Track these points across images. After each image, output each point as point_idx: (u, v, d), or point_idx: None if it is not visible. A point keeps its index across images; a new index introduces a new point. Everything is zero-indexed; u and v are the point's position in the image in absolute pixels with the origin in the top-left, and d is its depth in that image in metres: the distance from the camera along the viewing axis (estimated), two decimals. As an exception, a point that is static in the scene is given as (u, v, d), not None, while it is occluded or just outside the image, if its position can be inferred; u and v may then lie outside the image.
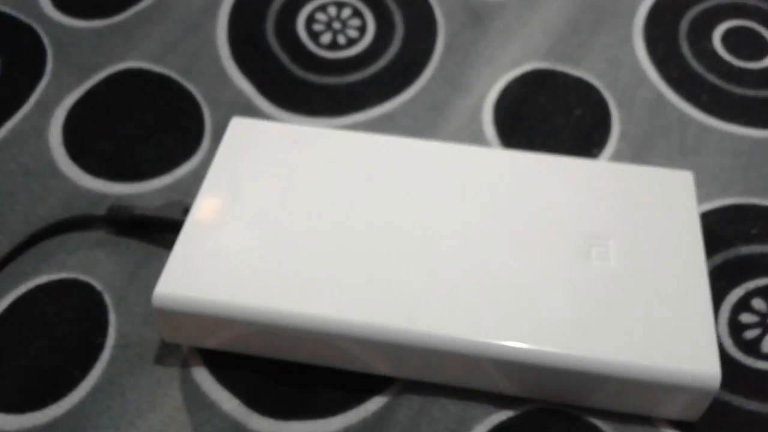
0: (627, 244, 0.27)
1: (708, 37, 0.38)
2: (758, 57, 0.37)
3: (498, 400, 0.27)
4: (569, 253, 0.27)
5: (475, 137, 0.34)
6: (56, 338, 0.28)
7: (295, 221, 0.28)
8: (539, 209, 0.28)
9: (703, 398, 0.25)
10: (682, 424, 0.26)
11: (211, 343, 0.27)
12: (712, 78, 0.36)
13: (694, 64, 0.37)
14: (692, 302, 0.26)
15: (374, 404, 0.27)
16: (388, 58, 0.37)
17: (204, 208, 0.28)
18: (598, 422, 0.26)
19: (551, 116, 0.35)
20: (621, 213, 0.28)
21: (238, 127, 0.31)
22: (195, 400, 0.27)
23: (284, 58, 0.37)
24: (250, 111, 0.35)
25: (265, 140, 0.31)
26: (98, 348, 0.28)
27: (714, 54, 0.37)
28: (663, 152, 0.34)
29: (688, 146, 0.34)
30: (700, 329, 0.25)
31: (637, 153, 0.33)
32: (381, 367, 0.27)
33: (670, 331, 0.25)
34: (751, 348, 0.28)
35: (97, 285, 0.29)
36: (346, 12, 0.38)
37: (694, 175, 0.30)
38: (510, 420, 0.26)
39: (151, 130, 0.34)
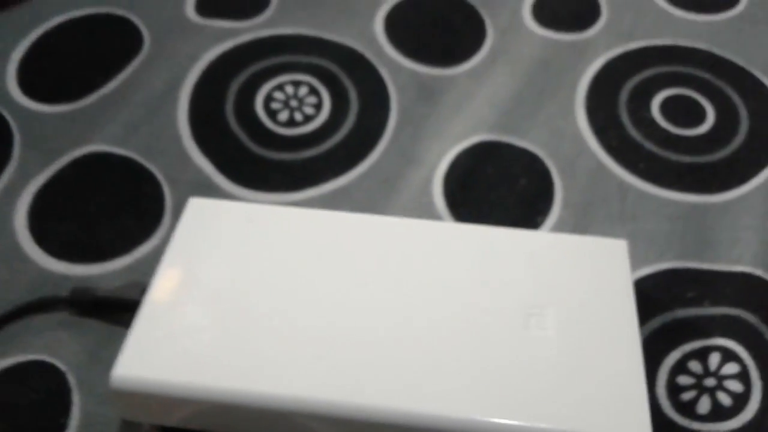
0: (564, 314, 0.29)
1: (647, 105, 0.40)
2: (695, 124, 0.39)
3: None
4: (510, 323, 0.28)
5: (426, 209, 0.36)
6: (21, 419, 0.29)
7: (250, 300, 0.29)
8: (482, 281, 0.30)
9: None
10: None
11: (170, 420, 0.28)
12: (649, 145, 0.38)
13: (633, 132, 0.39)
14: (625, 370, 0.27)
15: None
16: (344, 133, 0.39)
17: (161, 289, 0.30)
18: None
19: (498, 186, 0.37)
20: (558, 282, 0.30)
21: (196, 207, 0.32)
22: (154, 477, 0.28)
23: (243, 136, 0.38)
24: (210, 189, 0.36)
25: (221, 220, 0.32)
26: (62, 428, 0.29)
27: (652, 122, 0.39)
28: (603, 219, 0.35)
29: (627, 212, 0.36)
30: (633, 396, 0.26)
31: (579, 220, 0.35)
32: (334, 439, 0.28)
33: (604, 399, 0.26)
34: (688, 410, 0.30)
35: (61, 365, 0.31)
36: (303, 90, 0.40)
37: (629, 242, 0.31)
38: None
39: (113, 211, 0.35)
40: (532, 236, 0.32)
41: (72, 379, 0.30)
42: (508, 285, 0.30)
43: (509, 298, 0.29)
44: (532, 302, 0.29)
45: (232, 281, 0.30)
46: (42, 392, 0.30)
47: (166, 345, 0.28)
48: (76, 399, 0.30)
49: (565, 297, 0.29)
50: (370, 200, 0.36)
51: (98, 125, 0.38)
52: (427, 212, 0.36)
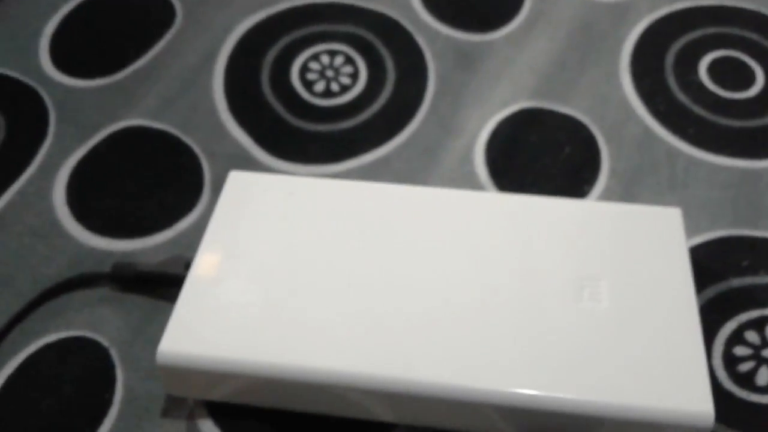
0: (618, 284, 0.28)
1: (694, 69, 0.39)
2: (744, 87, 0.38)
3: (497, 442, 0.27)
4: (562, 295, 0.28)
5: (468, 179, 0.35)
6: (65, 396, 0.29)
7: (294, 273, 0.29)
8: (532, 252, 0.29)
9: (696, 436, 0.25)
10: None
11: (216, 395, 0.28)
12: (698, 110, 0.37)
13: (681, 96, 0.38)
14: (684, 340, 0.26)
15: (377, 451, 0.27)
16: (381, 103, 0.38)
17: (205, 264, 0.29)
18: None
19: (541, 155, 0.36)
20: (611, 253, 0.29)
21: (236, 180, 0.32)
22: (202, 452, 0.28)
23: (279, 108, 0.38)
24: (248, 162, 0.36)
25: (262, 193, 0.31)
26: (106, 404, 0.29)
27: (701, 86, 0.38)
28: (652, 187, 0.34)
29: (677, 180, 0.34)
30: (692, 367, 0.26)
31: (627, 189, 0.34)
32: (384, 414, 0.27)
33: (662, 370, 0.26)
34: (746, 381, 0.29)
35: (104, 341, 0.30)
36: (339, 60, 0.39)
37: (682, 210, 0.30)
38: (510, 462, 0.27)
39: (152, 186, 0.35)
40: (581, 205, 0.31)
41: (115, 355, 0.30)
42: (559, 256, 0.29)
43: (560, 269, 0.28)
44: (585, 273, 0.28)
45: (276, 255, 0.29)
46: (85, 368, 0.30)
47: (212, 319, 0.27)
48: (119, 375, 0.29)
49: (618, 267, 0.28)
50: (411, 170, 0.35)
51: (133, 99, 0.38)
52: (469, 182, 0.35)
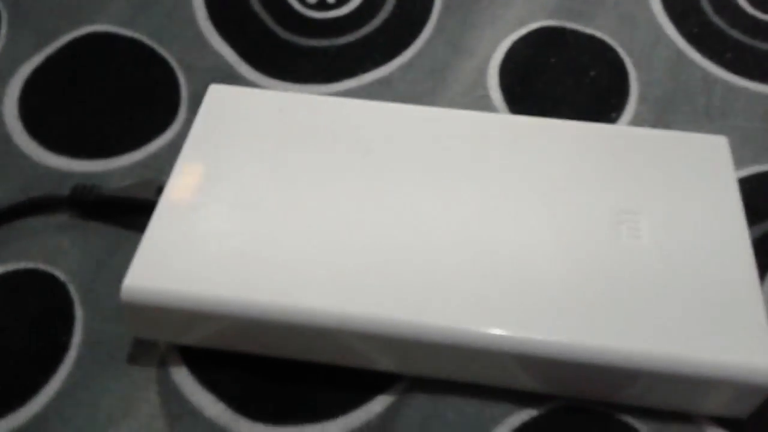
0: (660, 219, 0.24)
1: (730, -11, 0.35)
2: (785, 11, 0.34)
3: (518, 397, 0.23)
4: (596, 231, 0.24)
5: (481, 103, 0.31)
6: (14, 338, 0.25)
7: (283, 201, 0.25)
8: (559, 183, 0.25)
9: (755, 394, 0.22)
10: (730, 422, 0.23)
11: (191, 339, 0.24)
12: (735, 34, 0.33)
13: (716, 19, 0.34)
14: (738, 284, 0.23)
15: (378, 404, 0.24)
16: (382, 18, 0.34)
17: (179, 187, 0.25)
18: (634, 421, 0.23)
19: (563, 78, 0.32)
20: (651, 184, 0.25)
21: (218, 95, 0.28)
22: (174, 404, 0.24)
23: (267, 19, 0.33)
24: (231, 78, 0.31)
25: (247, 109, 0.27)
26: (63, 348, 0.25)
27: (737, 8, 0.34)
28: (687, 115, 0.30)
29: (714, 108, 0.31)
30: (750, 315, 0.22)
31: (659, 116, 0.30)
32: (385, 363, 0.23)
33: (714, 318, 0.22)
34: (797, 331, 0.25)
35: (61, 276, 0.26)
36: (334, -32, 0.35)
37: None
38: (534, 420, 0.23)
39: (119, 101, 0.30)
40: (615, 131, 0.27)
41: (74, 291, 0.26)
42: (592, 187, 0.25)
43: (594, 202, 0.25)
44: (623, 207, 0.24)
45: (261, 180, 0.25)
46: (39, 306, 0.25)
47: (186, 251, 0.23)
48: (79, 314, 0.25)
49: (659, 201, 0.25)
50: (416, 94, 0.31)
51: (100, 3, 0.33)
52: (482, 107, 0.31)
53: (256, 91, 0.28)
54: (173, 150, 0.29)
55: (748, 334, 0.22)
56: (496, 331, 0.22)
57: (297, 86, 0.31)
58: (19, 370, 0.24)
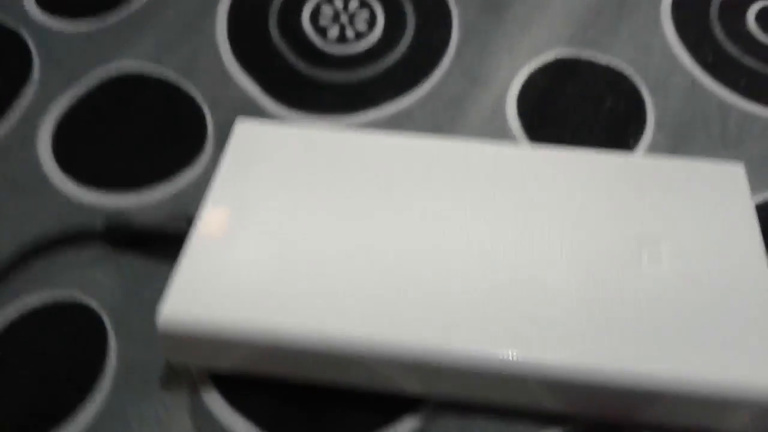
0: (680, 246, 0.25)
1: (742, 17, 0.35)
2: (797, 38, 0.34)
3: (542, 418, 0.24)
4: (618, 258, 0.24)
5: (500, 133, 0.32)
6: (50, 367, 0.25)
7: (310, 232, 0.25)
8: (581, 212, 0.26)
9: (777, 413, 0.22)
10: (753, 442, 0.23)
11: (223, 365, 0.25)
12: (749, 61, 0.34)
13: (729, 47, 0.34)
14: (757, 307, 0.23)
15: (406, 427, 0.24)
16: (401, 51, 0.34)
17: (211, 220, 0.26)
18: (658, 442, 0.24)
19: (580, 107, 0.32)
20: (670, 212, 0.26)
21: (244, 129, 0.28)
22: (207, 427, 0.24)
23: (289, 54, 0.34)
24: (255, 112, 0.32)
25: (273, 144, 0.28)
26: (98, 375, 0.25)
27: (749, 35, 0.35)
28: (703, 142, 0.31)
29: (731, 135, 0.31)
30: (770, 335, 0.23)
31: (676, 144, 0.31)
32: (412, 387, 0.24)
33: (735, 341, 0.22)
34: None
35: (96, 306, 0.27)
36: (354, 4, 0.36)
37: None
38: (559, 442, 0.24)
39: (148, 136, 0.31)
40: (634, 160, 0.27)
41: (108, 321, 0.26)
42: (614, 215, 0.26)
43: (615, 230, 0.25)
44: (642, 234, 0.25)
45: (289, 212, 0.26)
46: (75, 336, 0.26)
47: (219, 281, 0.24)
48: (113, 343, 0.26)
49: (678, 227, 0.25)
50: (435, 124, 0.32)
51: (128, 44, 0.34)
52: (501, 136, 0.31)
53: (281, 125, 0.29)
54: (201, 183, 0.30)
55: (766, 355, 0.22)
56: (521, 356, 0.22)
57: (318, 118, 0.32)
58: (56, 397, 0.25)
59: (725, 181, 0.26)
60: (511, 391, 0.23)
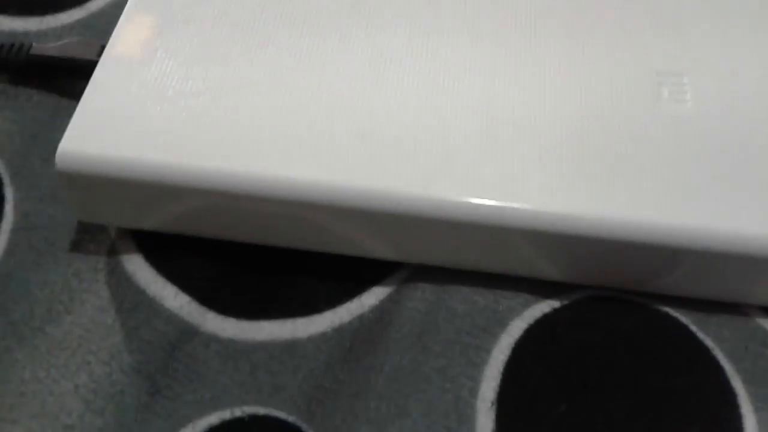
0: (707, 82, 0.20)
1: None
2: None
3: (537, 288, 0.20)
4: (634, 92, 0.20)
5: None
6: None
7: (253, 51, 0.21)
8: (592, 38, 0.21)
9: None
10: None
11: (145, 221, 0.20)
12: None
13: None
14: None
15: (373, 297, 0.20)
16: None
17: (126, 38, 0.21)
18: (673, 312, 0.20)
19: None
20: (695, 41, 0.21)
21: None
22: (127, 297, 0.20)
23: None
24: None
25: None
26: (-9, 234, 0.21)
27: None
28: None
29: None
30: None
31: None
32: (381, 248, 0.20)
33: (766, 192, 0.19)
34: None
35: (-12, 151, 0.22)
36: None
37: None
38: (556, 312, 0.20)
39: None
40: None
41: (4, 169, 0.22)
42: (628, 44, 0.21)
43: (631, 60, 0.21)
44: (662, 67, 0.21)
45: (223, 31, 0.21)
46: (-38, 187, 0.21)
47: (134, 110, 0.19)
48: (9, 194, 0.21)
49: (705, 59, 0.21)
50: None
51: None
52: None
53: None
54: (120, 8, 0.24)
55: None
56: (513, 204, 0.18)
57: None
58: (-64, 260, 0.20)
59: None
60: (499, 252, 0.19)
